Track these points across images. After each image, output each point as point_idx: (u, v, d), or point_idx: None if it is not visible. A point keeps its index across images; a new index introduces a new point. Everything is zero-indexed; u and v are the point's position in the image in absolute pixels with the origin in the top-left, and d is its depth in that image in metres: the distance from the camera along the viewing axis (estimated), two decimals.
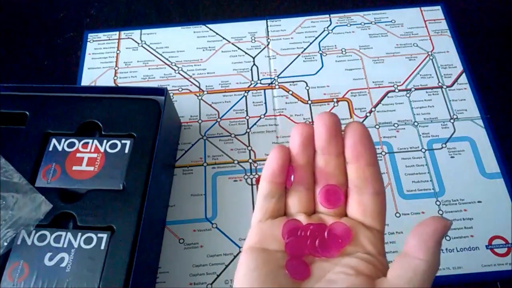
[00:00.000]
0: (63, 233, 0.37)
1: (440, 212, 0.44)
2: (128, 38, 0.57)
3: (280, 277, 0.21)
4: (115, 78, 0.54)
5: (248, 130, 0.49)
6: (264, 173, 0.23)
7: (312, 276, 0.21)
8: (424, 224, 0.20)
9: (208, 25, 0.57)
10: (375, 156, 0.23)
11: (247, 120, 0.50)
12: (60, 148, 0.41)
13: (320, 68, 0.53)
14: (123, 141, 0.41)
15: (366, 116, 0.50)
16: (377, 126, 0.49)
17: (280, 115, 0.50)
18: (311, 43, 0.55)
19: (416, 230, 0.20)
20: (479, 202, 0.44)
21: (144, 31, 0.57)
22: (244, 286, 0.21)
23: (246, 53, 0.55)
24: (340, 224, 0.22)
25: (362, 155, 0.22)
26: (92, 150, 0.41)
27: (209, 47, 0.56)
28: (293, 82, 0.53)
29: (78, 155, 0.41)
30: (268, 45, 0.56)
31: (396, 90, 0.51)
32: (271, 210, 0.23)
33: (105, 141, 0.41)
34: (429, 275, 0.19)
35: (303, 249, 0.22)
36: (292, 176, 0.23)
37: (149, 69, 0.54)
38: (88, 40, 0.57)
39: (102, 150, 0.41)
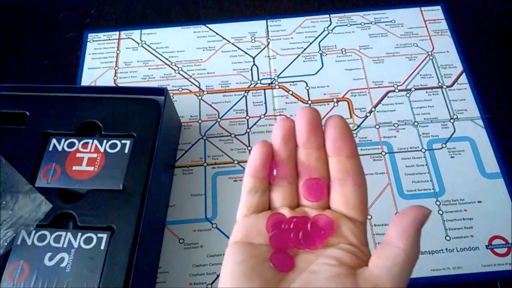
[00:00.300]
0: (63, 233, 0.37)
1: (440, 212, 0.44)
2: (128, 38, 0.57)
3: (265, 270, 0.21)
4: (115, 78, 0.54)
5: (248, 130, 0.49)
6: (248, 168, 0.23)
7: (296, 268, 0.22)
8: (403, 214, 0.20)
9: (208, 25, 0.57)
10: (355, 148, 0.23)
11: (247, 120, 0.50)
12: (60, 148, 0.41)
13: (320, 68, 0.53)
14: (123, 141, 0.41)
15: (366, 116, 0.50)
16: (377, 126, 0.49)
17: (280, 115, 0.50)
18: (311, 43, 0.55)
19: (396, 219, 0.20)
20: (479, 202, 0.44)
21: (144, 31, 0.57)
22: (231, 280, 0.21)
23: (246, 53, 0.55)
24: (322, 216, 0.22)
25: (342, 148, 0.23)
26: (92, 150, 0.41)
27: (209, 47, 0.56)
28: (293, 82, 0.52)
29: (78, 155, 0.41)
30: (268, 45, 0.56)
31: (396, 90, 0.51)
32: (255, 205, 0.23)
33: (105, 141, 0.41)
34: (408, 264, 0.19)
35: (287, 242, 0.22)
36: (275, 171, 0.23)
37: (149, 69, 0.54)
38: (88, 40, 0.57)
39: (102, 150, 0.41)
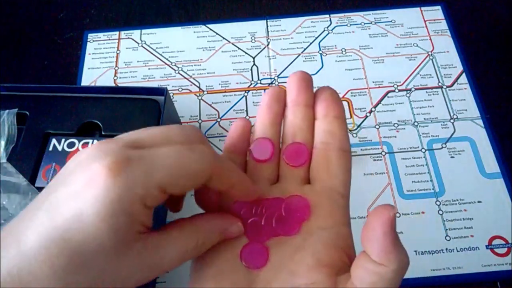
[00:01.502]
0: None
1: (440, 212, 0.44)
2: (128, 38, 0.57)
3: (236, 269, 0.20)
4: (115, 78, 0.54)
5: None
6: (225, 143, 0.23)
7: (271, 264, 0.20)
8: (371, 228, 0.18)
9: (208, 25, 0.57)
10: (343, 112, 0.23)
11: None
12: (60, 148, 0.41)
13: (320, 68, 0.53)
14: None
15: (366, 116, 0.50)
16: (377, 126, 0.49)
17: None
18: (311, 43, 0.55)
19: (366, 237, 0.18)
20: (479, 202, 0.44)
21: (144, 31, 0.57)
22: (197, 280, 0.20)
23: (246, 53, 0.55)
24: (297, 198, 0.21)
25: (331, 107, 0.22)
26: None
27: (209, 47, 0.56)
28: None
29: None
30: (268, 45, 0.56)
31: (396, 90, 0.51)
32: None
33: None
34: (397, 277, 0.18)
35: (261, 230, 0.21)
36: (270, 149, 0.23)
37: (149, 69, 0.54)
38: (88, 40, 0.57)
39: None
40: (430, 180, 0.46)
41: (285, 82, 0.52)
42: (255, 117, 0.49)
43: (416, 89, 0.51)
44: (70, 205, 0.17)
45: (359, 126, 0.49)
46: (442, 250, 0.42)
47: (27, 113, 0.43)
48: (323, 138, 0.22)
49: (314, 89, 0.24)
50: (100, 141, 0.18)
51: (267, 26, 0.57)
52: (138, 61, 0.55)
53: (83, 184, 0.17)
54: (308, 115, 0.23)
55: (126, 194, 0.17)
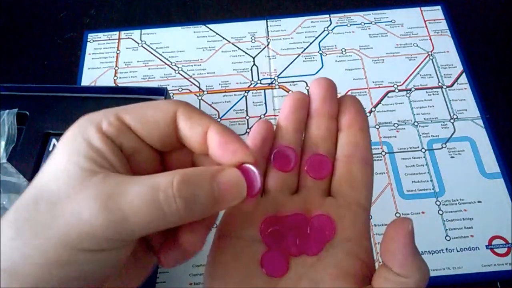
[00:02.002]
0: None
1: (440, 212, 0.44)
2: (128, 38, 0.57)
3: (256, 276, 0.20)
4: (115, 78, 0.54)
5: (248, 130, 0.49)
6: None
7: (291, 273, 0.20)
8: (391, 241, 0.18)
9: (208, 25, 0.57)
10: (367, 124, 0.22)
11: (247, 120, 0.50)
12: None
13: (320, 68, 0.53)
14: None
15: (366, 116, 0.50)
16: (377, 126, 0.49)
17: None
18: (311, 43, 0.55)
19: (386, 249, 0.18)
20: (479, 202, 0.44)
21: (144, 31, 0.57)
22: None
23: (246, 53, 0.55)
24: (322, 217, 0.21)
25: (356, 120, 0.22)
26: None
27: (209, 47, 0.56)
28: (293, 82, 0.53)
29: None
30: (268, 45, 0.56)
31: (396, 90, 0.51)
32: None
33: None
34: (421, 285, 0.18)
35: (283, 241, 0.20)
36: (294, 158, 0.22)
37: (149, 69, 0.54)
38: (88, 40, 0.57)
39: None
40: (430, 180, 0.46)
41: (285, 82, 0.52)
42: (255, 117, 0.50)
43: (416, 89, 0.51)
44: (48, 162, 0.18)
45: None
46: (442, 250, 0.42)
47: (27, 113, 0.43)
48: (347, 151, 0.22)
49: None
50: None
51: (267, 26, 0.57)
52: (138, 61, 0.55)
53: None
54: (332, 126, 0.22)
55: (83, 124, 0.18)
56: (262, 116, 0.50)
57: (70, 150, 0.17)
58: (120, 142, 0.18)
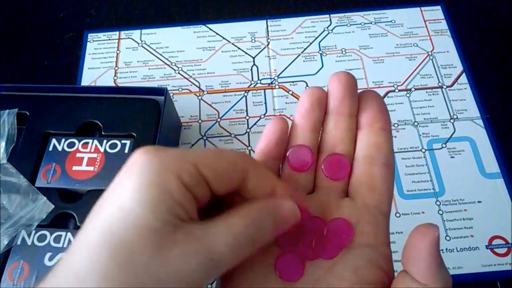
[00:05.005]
0: (63, 233, 0.37)
1: (440, 212, 0.44)
2: (128, 38, 0.57)
3: (269, 280, 0.19)
4: (115, 78, 0.54)
5: (248, 130, 0.49)
6: (260, 144, 0.21)
7: (307, 276, 0.19)
8: (414, 249, 0.17)
9: (208, 25, 0.57)
10: (390, 123, 0.21)
11: (247, 120, 0.50)
12: (60, 148, 0.41)
13: (320, 68, 0.53)
14: (123, 141, 0.41)
15: None
16: None
17: (280, 115, 0.50)
18: (311, 43, 0.55)
19: (409, 255, 0.17)
20: (479, 202, 0.44)
21: (144, 31, 0.57)
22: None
23: (246, 53, 0.55)
24: (340, 221, 0.20)
25: (378, 118, 0.20)
26: (92, 150, 0.41)
27: (209, 47, 0.56)
28: (293, 82, 0.52)
29: (78, 155, 0.41)
30: (268, 45, 0.56)
31: (396, 90, 0.51)
32: None
33: (105, 141, 0.41)
34: None
35: (298, 244, 0.20)
36: (310, 157, 0.21)
37: (149, 69, 0.54)
38: (88, 40, 0.57)
39: (102, 150, 0.41)
40: (430, 180, 0.46)
41: (285, 82, 0.52)
42: (255, 117, 0.50)
43: (416, 89, 0.51)
44: (112, 199, 0.16)
45: None
46: (442, 250, 0.42)
47: (27, 113, 0.43)
48: (367, 152, 0.20)
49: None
50: None
51: (267, 26, 0.57)
52: (138, 61, 0.55)
53: (123, 176, 0.17)
54: (351, 125, 0.21)
55: (161, 172, 0.16)
56: (262, 116, 0.50)
57: (149, 201, 0.16)
58: (196, 193, 0.18)
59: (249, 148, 0.48)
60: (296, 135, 0.21)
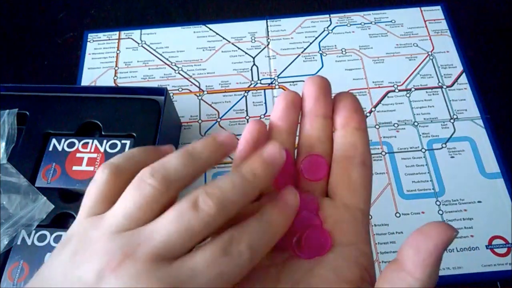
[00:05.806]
0: (63, 233, 0.37)
1: (440, 212, 0.44)
2: (128, 38, 0.57)
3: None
4: (115, 78, 0.54)
5: None
6: (239, 151, 0.21)
7: (286, 277, 0.19)
8: (425, 235, 0.17)
9: (208, 25, 0.57)
10: (365, 122, 0.21)
11: (247, 120, 0.50)
12: (60, 148, 0.41)
13: (320, 68, 0.53)
14: (123, 141, 0.41)
15: (366, 116, 0.50)
16: (377, 126, 0.49)
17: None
18: (311, 43, 0.55)
19: (414, 240, 0.17)
20: (479, 202, 0.44)
21: (144, 31, 0.57)
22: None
23: (246, 53, 0.55)
24: (317, 232, 0.20)
25: (352, 118, 0.21)
26: (92, 150, 0.41)
27: (209, 47, 0.56)
28: (293, 82, 0.53)
29: (78, 155, 0.41)
30: (268, 45, 0.56)
31: (396, 90, 0.51)
32: None
33: (105, 141, 0.41)
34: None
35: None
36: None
37: (149, 69, 0.54)
38: (88, 40, 0.57)
39: (102, 150, 0.41)
40: (430, 180, 0.46)
41: (285, 82, 0.52)
42: (255, 117, 0.50)
43: (416, 89, 0.51)
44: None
45: None
46: None
47: (27, 113, 0.43)
48: (344, 151, 0.21)
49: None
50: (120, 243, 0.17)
51: (267, 26, 0.57)
52: (138, 61, 0.55)
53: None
54: (327, 126, 0.21)
55: None
56: (262, 116, 0.50)
57: None
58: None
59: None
60: (273, 138, 0.22)
